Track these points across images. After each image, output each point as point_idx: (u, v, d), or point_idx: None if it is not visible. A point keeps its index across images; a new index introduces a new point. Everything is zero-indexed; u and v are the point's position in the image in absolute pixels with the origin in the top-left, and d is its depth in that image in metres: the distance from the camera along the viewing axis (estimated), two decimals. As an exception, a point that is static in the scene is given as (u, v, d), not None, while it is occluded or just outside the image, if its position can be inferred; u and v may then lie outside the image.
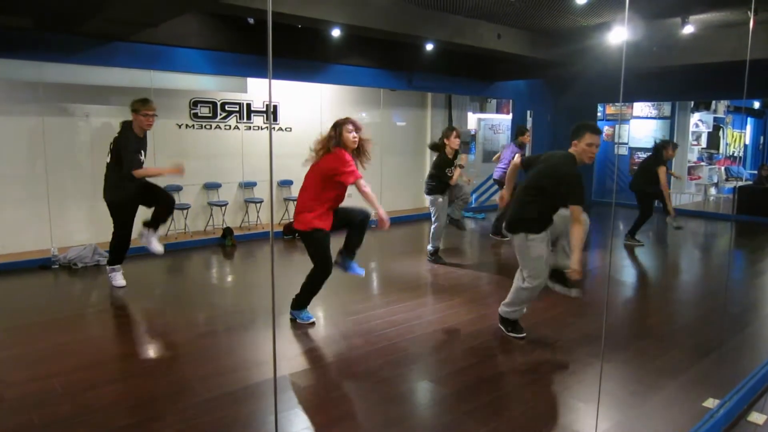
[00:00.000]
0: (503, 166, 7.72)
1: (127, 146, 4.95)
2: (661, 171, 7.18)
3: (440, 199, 6.35)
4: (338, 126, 4.24)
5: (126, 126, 5.04)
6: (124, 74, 6.76)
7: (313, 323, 4.43)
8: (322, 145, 4.24)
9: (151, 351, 4.06)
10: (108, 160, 5.07)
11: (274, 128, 8.69)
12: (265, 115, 8.56)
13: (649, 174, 7.36)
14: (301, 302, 4.46)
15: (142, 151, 5.09)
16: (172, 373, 3.60)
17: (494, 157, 8.60)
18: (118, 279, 5.39)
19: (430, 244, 6.53)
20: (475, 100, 12.28)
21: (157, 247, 5.35)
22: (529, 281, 3.97)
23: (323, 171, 4.17)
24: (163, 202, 5.28)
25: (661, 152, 7.38)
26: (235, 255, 7.06)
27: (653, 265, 7.02)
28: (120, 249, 5.36)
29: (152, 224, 5.32)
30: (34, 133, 6.50)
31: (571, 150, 3.95)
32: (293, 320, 4.46)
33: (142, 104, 5.03)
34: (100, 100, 7.04)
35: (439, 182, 6.30)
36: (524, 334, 4.16)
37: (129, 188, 5.07)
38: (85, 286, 5.70)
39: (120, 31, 6.13)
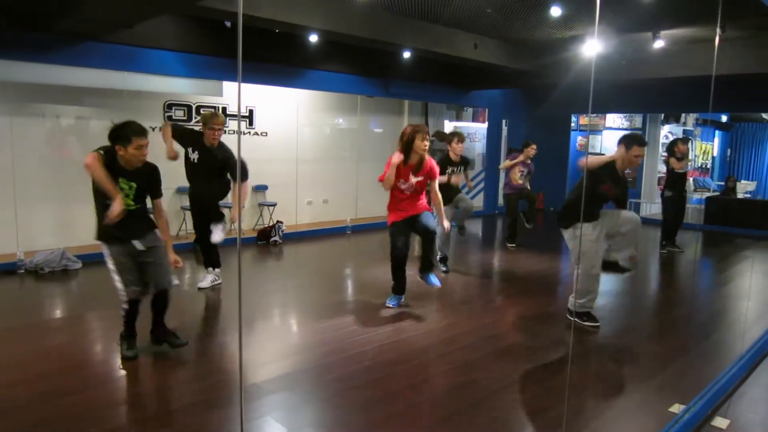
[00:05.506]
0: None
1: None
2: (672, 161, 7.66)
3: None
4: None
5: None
6: (97, 75, 6.63)
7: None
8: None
9: (116, 359, 3.97)
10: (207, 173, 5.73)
11: (249, 133, 8.64)
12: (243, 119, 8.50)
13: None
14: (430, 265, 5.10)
15: None
16: (138, 381, 3.54)
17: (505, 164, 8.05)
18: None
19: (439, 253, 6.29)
20: (451, 108, 12.38)
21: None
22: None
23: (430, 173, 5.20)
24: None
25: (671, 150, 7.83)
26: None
27: (620, 275, 7.12)
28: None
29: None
30: (2, 133, 6.34)
31: (614, 156, 4.31)
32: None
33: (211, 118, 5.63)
34: (72, 100, 6.89)
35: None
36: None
37: None
38: (51, 291, 5.56)
39: (94, 31, 6.04)
